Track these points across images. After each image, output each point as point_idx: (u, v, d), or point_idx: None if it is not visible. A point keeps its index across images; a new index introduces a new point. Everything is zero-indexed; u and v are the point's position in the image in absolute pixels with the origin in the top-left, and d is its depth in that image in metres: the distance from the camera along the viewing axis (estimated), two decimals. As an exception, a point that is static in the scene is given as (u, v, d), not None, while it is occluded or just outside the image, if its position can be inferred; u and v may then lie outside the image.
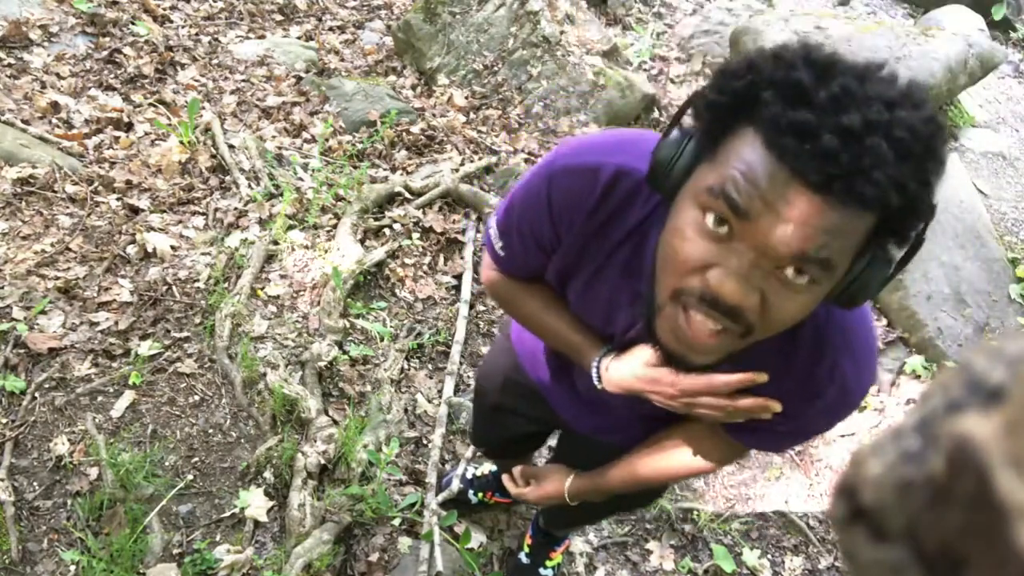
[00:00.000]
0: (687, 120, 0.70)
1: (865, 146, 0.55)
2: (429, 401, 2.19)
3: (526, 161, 3.11)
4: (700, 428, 1.00)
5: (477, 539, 1.89)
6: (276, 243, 2.45)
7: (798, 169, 0.57)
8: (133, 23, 3.24)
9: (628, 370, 0.88)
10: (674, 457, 1.03)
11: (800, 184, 0.58)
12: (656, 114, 3.65)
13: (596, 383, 0.93)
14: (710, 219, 0.63)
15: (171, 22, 3.41)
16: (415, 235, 2.62)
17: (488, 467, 1.94)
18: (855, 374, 0.81)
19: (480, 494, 1.91)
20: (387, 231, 2.62)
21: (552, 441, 1.83)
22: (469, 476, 1.92)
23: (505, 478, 1.29)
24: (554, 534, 1.82)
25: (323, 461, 1.86)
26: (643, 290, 0.78)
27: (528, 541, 1.85)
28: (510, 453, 1.70)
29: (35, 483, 1.77)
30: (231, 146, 2.79)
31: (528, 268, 0.97)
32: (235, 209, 2.55)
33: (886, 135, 0.56)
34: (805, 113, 0.57)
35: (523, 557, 1.84)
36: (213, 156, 2.73)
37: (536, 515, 1.87)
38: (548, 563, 1.82)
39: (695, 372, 0.79)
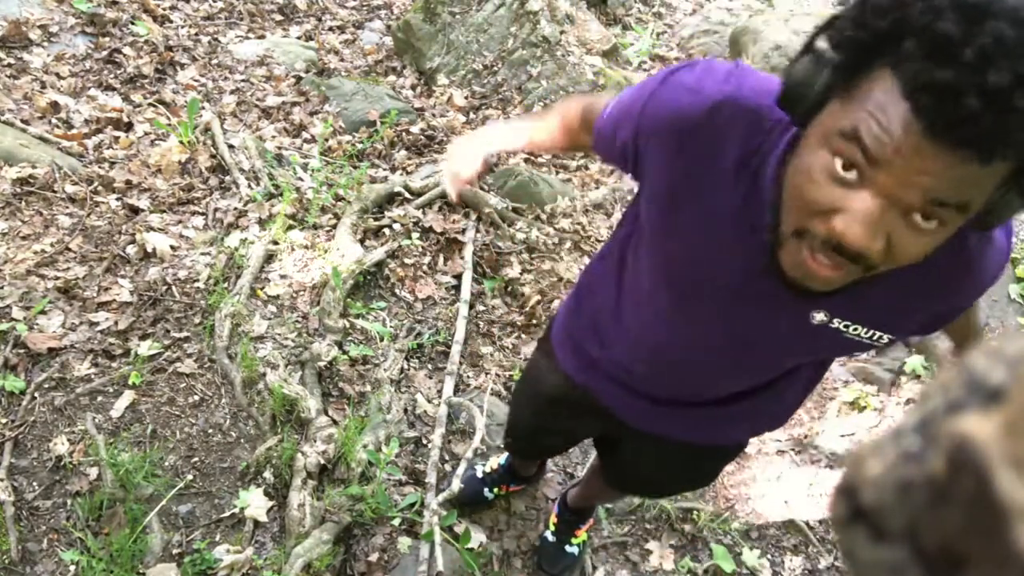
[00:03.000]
0: (821, 43, 0.66)
1: (1011, 107, 0.52)
2: (429, 401, 2.19)
3: (526, 161, 3.11)
4: None
5: (477, 539, 1.89)
6: (276, 243, 2.45)
7: (935, 127, 0.55)
8: (133, 23, 3.24)
9: None
10: None
11: (935, 139, 0.55)
12: (656, 114, 3.65)
13: None
14: (839, 163, 0.62)
15: (171, 22, 3.41)
16: (415, 235, 2.62)
17: (496, 460, 1.94)
18: (1001, 235, 0.78)
19: (496, 489, 1.92)
20: (387, 231, 2.62)
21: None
22: (480, 475, 1.92)
23: None
24: (582, 509, 1.83)
25: (323, 461, 1.86)
26: (765, 219, 0.76)
27: (553, 520, 1.87)
28: (541, 456, 1.71)
29: (35, 483, 1.77)
30: (231, 146, 2.79)
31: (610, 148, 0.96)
32: (235, 209, 2.55)
33: None
34: (948, 72, 0.53)
35: (549, 535, 1.85)
36: (213, 156, 2.73)
37: (563, 494, 1.87)
38: (574, 540, 1.84)
39: (815, 297, 0.79)
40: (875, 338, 0.85)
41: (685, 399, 1.10)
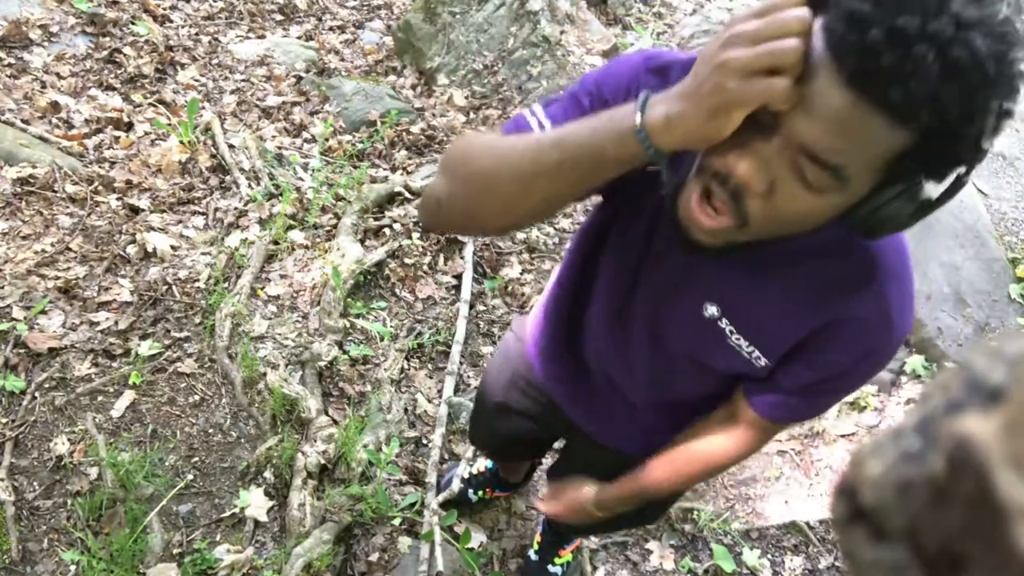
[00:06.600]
0: None
1: (911, 52, 0.53)
2: (429, 401, 2.19)
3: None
4: (732, 414, 0.98)
5: (477, 539, 1.89)
6: (276, 243, 2.45)
7: (838, 55, 0.56)
8: (133, 23, 3.24)
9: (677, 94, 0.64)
10: (712, 443, 1.01)
11: (835, 73, 0.57)
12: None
13: (642, 141, 0.64)
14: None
15: (171, 22, 3.41)
16: (415, 235, 2.62)
17: (484, 463, 1.93)
18: (898, 299, 0.78)
19: (480, 492, 1.91)
20: (387, 231, 2.62)
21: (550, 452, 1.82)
22: (466, 475, 1.92)
23: (538, 504, 1.26)
24: (563, 530, 1.82)
25: (323, 461, 1.86)
26: (684, 162, 0.76)
27: (538, 539, 1.86)
28: (509, 455, 1.69)
29: (35, 483, 1.77)
30: (231, 146, 2.79)
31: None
32: (235, 209, 2.55)
33: (940, 49, 0.52)
34: (864, 4, 0.54)
35: (532, 554, 1.84)
36: (213, 156, 2.73)
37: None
38: (557, 560, 1.82)
39: (700, 252, 0.77)
40: (753, 355, 0.86)
41: (624, 398, 1.11)
